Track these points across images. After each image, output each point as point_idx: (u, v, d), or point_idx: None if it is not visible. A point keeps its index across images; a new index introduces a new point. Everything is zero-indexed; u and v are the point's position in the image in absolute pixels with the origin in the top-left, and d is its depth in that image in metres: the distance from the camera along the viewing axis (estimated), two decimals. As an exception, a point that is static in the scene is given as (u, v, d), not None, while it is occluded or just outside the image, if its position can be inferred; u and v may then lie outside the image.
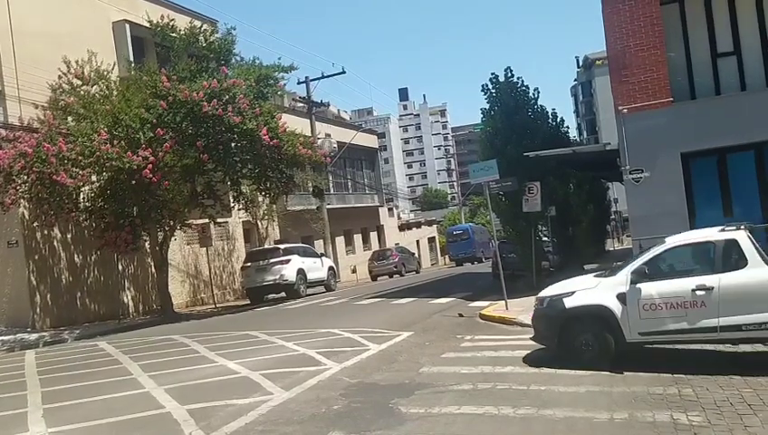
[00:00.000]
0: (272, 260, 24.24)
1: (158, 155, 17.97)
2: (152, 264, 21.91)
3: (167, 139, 18.29)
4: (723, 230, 8.65)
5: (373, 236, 45.32)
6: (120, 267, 21.52)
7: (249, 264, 24.93)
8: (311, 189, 29.93)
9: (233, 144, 19.79)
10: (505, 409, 6.60)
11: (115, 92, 19.87)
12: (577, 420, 6.15)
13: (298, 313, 18.85)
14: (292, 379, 8.54)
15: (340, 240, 38.69)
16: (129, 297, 22.38)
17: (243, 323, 16.43)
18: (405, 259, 39.30)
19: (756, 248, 8.27)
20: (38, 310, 19.06)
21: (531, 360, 9.08)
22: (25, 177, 17.26)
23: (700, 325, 8.15)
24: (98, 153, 17.27)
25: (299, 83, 33.58)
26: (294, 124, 23.46)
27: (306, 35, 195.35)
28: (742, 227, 8.64)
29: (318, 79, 33.46)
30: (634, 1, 15.33)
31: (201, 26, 21.28)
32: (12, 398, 8.78)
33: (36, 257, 19.29)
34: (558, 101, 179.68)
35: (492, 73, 20.92)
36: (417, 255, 47.91)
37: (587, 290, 9.10)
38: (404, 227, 53.94)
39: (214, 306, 24.30)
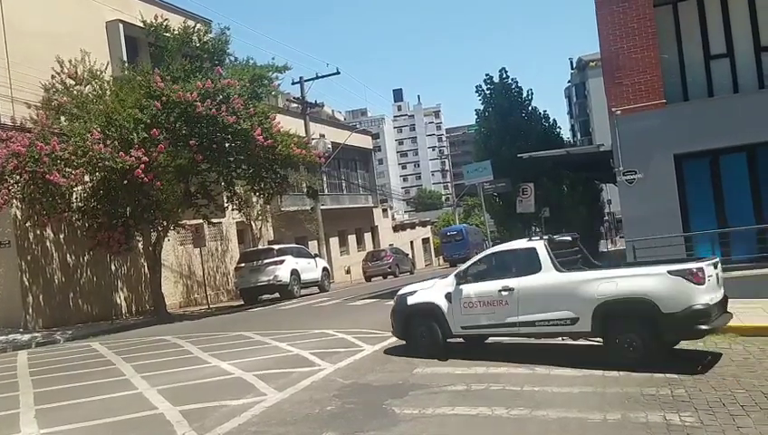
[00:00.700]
0: (265, 261, 24.20)
1: (151, 155, 17.91)
2: (145, 264, 21.83)
3: (160, 139, 18.23)
4: (529, 240, 10.03)
5: (367, 236, 45.28)
6: (113, 268, 21.43)
7: (243, 264, 24.88)
8: (305, 190, 29.88)
9: (227, 144, 19.74)
10: (499, 410, 6.61)
11: (108, 92, 19.80)
12: (570, 421, 6.16)
13: (292, 313, 18.82)
14: (285, 380, 8.53)
15: (334, 241, 38.66)
16: (122, 298, 22.29)
17: (236, 324, 16.40)
18: (399, 260, 39.28)
19: (550, 256, 9.43)
20: (30, 310, 18.96)
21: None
22: (18, 176, 17.17)
23: (505, 321, 9.51)
24: (91, 153, 17.20)
25: (293, 84, 33.55)
26: (289, 125, 23.42)
27: (300, 36, 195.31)
28: (543, 238, 9.90)
29: (312, 79, 33.45)
30: (628, 3, 15.39)
31: (195, 26, 21.23)
32: (4, 399, 8.74)
33: (29, 258, 19.19)
34: (552, 102, 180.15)
35: (486, 75, 21.07)
36: (411, 256, 47.91)
37: (424, 290, 10.67)
38: (398, 227, 53.92)
39: (207, 307, 24.24)
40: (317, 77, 33.67)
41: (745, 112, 14.57)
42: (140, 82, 19.24)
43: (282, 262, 24.22)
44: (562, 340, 9.85)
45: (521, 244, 10.22)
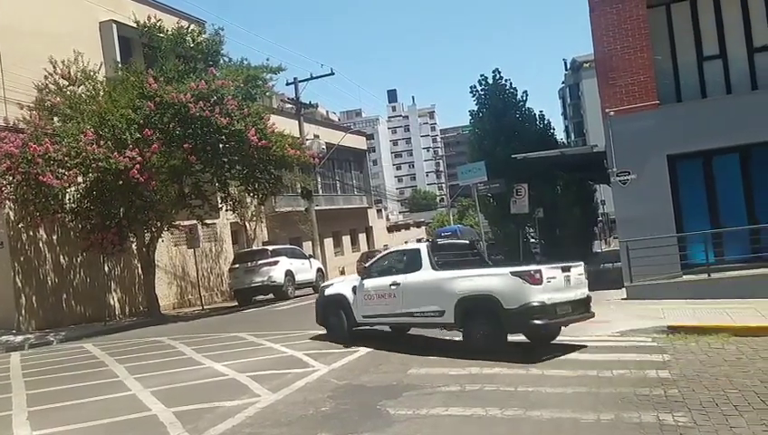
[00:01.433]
0: (260, 261, 24.15)
1: (145, 156, 17.86)
2: (139, 265, 21.76)
3: (154, 139, 18.17)
4: (417, 243, 12.27)
5: (362, 237, 45.27)
6: (107, 269, 21.35)
7: (237, 265, 24.82)
8: (299, 191, 29.85)
9: (221, 145, 19.70)
10: (493, 410, 6.62)
11: (102, 93, 19.72)
12: (564, 421, 6.17)
13: (286, 314, 18.80)
14: (279, 381, 8.52)
15: (328, 241, 38.62)
16: (116, 299, 22.21)
17: (230, 325, 16.36)
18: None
19: (430, 257, 10.90)
20: (23, 312, 18.86)
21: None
22: (11, 177, 17.08)
23: (393, 312, 11.04)
24: (84, 154, 17.13)
25: (287, 84, 33.47)
26: (283, 125, 23.38)
27: (294, 36, 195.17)
28: (428, 241, 11.98)
29: (306, 80, 33.36)
30: (621, 5, 15.45)
31: (189, 27, 21.17)
32: (-4, 401, 8.69)
33: (22, 259, 19.10)
34: (546, 103, 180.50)
35: (480, 75, 21.06)
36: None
37: (338, 283, 12.69)
38: (393, 228, 53.97)
39: (201, 308, 24.17)
40: (311, 78, 33.61)
41: (738, 113, 14.64)
42: (134, 83, 19.18)
43: (276, 263, 24.17)
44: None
45: (410, 246, 12.24)
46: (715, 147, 15.08)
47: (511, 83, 21.35)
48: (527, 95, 21.79)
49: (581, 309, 10.32)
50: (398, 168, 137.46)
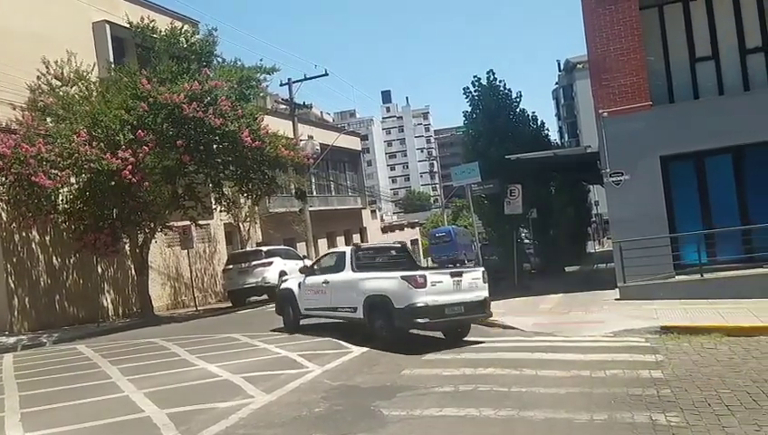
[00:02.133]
0: (254, 262, 24.09)
1: (138, 156, 17.81)
2: (132, 266, 21.68)
3: (147, 140, 18.12)
4: (346, 246, 14.06)
5: (356, 238, 45.17)
6: (100, 270, 21.27)
7: (231, 266, 24.76)
8: (293, 191, 29.79)
9: (214, 146, 19.65)
10: (486, 410, 6.62)
11: (95, 93, 19.63)
12: (557, 422, 6.19)
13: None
14: (273, 382, 8.51)
15: (322, 242, 38.56)
16: (109, 300, 22.13)
17: (224, 326, 16.33)
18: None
19: (352, 259, 12.48)
20: (16, 313, 18.77)
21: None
22: (3, 178, 17.00)
23: (324, 306, 12.83)
24: (77, 155, 17.07)
25: (281, 85, 33.39)
26: (277, 126, 23.35)
27: (288, 37, 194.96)
28: (354, 245, 13.89)
29: (300, 81, 33.28)
30: (614, 6, 15.50)
31: (182, 27, 21.09)
32: (-12, 402, 8.64)
33: (14, 260, 19.01)
34: (540, 104, 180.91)
35: (474, 76, 21.05)
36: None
37: (291, 279, 14.73)
38: (387, 229, 53.93)
39: (195, 309, 24.09)
40: (305, 78, 33.54)
41: (731, 114, 14.71)
42: (127, 84, 19.11)
43: (270, 263, 24.12)
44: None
45: (339, 249, 14.84)
46: (707, 148, 15.16)
47: (505, 84, 21.37)
48: (521, 96, 21.81)
49: (477, 310, 11.37)
50: (393, 168, 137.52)
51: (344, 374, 8.94)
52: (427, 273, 11.40)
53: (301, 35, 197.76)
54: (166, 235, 23.25)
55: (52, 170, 17.11)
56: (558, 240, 26.25)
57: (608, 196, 16.13)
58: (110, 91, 19.24)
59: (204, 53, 20.53)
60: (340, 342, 11.84)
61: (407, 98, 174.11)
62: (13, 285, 18.82)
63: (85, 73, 19.89)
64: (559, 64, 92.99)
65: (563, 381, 7.81)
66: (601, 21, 15.66)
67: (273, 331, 13.72)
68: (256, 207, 29.78)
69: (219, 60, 21.17)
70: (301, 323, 13.70)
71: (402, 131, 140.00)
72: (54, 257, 20.33)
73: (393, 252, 14.26)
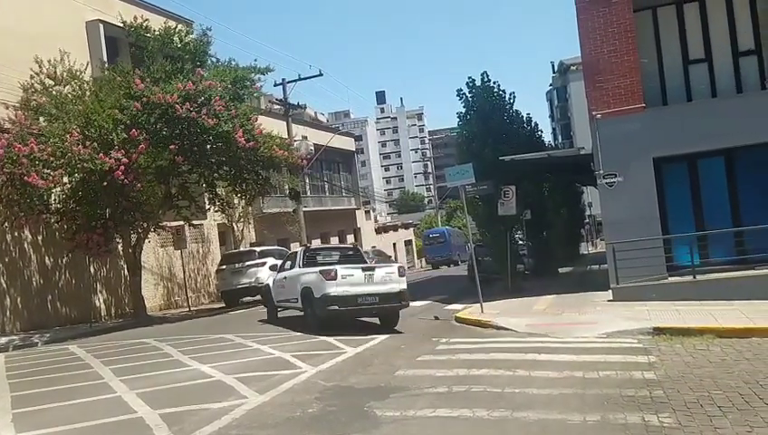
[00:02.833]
0: (247, 263, 24.06)
1: (131, 156, 17.75)
2: (125, 266, 21.62)
3: (140, 140, 18.06)
4: (300, 246, 17.57)
5: (350, 238, 45.20)
6: (92, 270, 21.19)
7: (224, 266, 24.72)
8: (287, 192, 29.75)
9: (208, 146, 19.61)
10: (480, 411, 6.63)
11: (88, 93, 19.56)
12: (550, 423, 6.20)
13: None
14: (267, 382, 8.49)
15: (316, 243, 38.53)
16: (102, 300, 22.06)
17: (217, 327, 16.30)
18: (381, 262, 39.26)
19: (302, 257, 15.15)
20: (8, 313, 18.69)
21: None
22: (-5, 178, 16.93)
23: (285, 298, 15.17)
24: (69, 154, 17.00)
25: (275, 85, 33.34)
26: (271, 126, 23.31)
27: (283, 37, 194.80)
28: (304, 246, 17.18)
29: (295, 81, 33.23)
30: (608, 8, 15.55)
31: (176, 27, 21.04)
32: (-21, 403, 8.60)
33: (6, 260, 18.92)
34: (534, 105, 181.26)
35: (468, 77, 20.97)
36: (393, 258, 47.92)
37: (270, 276, 17.81)
38: (381, 229, 53.95)
39: (188, 309, 24.04)
40: (299, 79, 33.51)
41: (723, 117, 14.77)
42: (120, 83, 19.04)
43: (263, 264, 24.08)
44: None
45: (296, 249, 18.07)
46: (700, 150, 15.22)
47: (499, 86, 21.35)
48: (515, 97, 21.79)
49: (393, 301, 13.46)
50: (387, 169, 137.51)
51: (338, 375, 8.94)
52: (338, 267, 13.54)
53: (295, 35, 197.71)
54: (159, 235, 23.19)
55: (45, 170, 17.04)
56: (551, 241, 26.30)
57: (601, 197, 16.17)
58: (104, 91, 19.17)
59: (198, 52, 20.48)
60: (334, 342, 11.84)
61: (401, 99, 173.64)
62: (5, 285, 18.74)
63: (78, 73, 19.82)
64: (553, 66, 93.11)
65: (556, 382, 7.82)
66: (595, 23, 15.70)
67: (264, 325, 15.34)
68: (250, 208, 29.74)
69: (213, 60, 21.16)
70: (279, 314, 16.28)
71: (396, 132, 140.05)
72: (47, 257, 20.26)
73: (345, 252, 16.74)
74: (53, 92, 19.28)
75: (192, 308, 24.40)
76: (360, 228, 47.15)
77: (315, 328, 13.16)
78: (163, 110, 18.31)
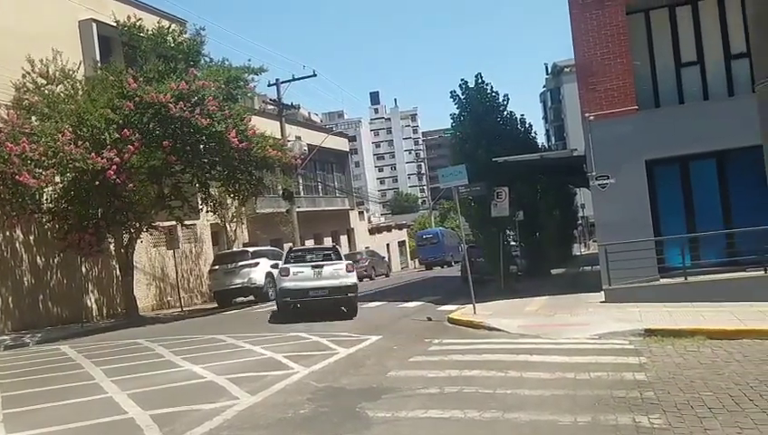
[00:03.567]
0: (240, 263, 24.03)
1: (123, 156, 17.70)
2: (117, 266, 21.55)
3: (133, 140, 18.01)
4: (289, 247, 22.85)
5: (343, 239, 45.23)
6: (84, 270, 21.11)
7: (217, 267, 24.67)
8: (280, 192, 29.73)
9: (201, 146, 19.56)
10: (471, 412, 6.64)
11: (80, 92, 19.50)
12: (542, 424, 6.21)
13: (266, 316, 18.71)
14: (258, 383, 8.48)
15: (310, 243, 38.52)
16: (93, 301, 21.98)
17: (210, 327, 16.26)
18: (375, 263, 39.31)
19: (288, 256, 18.03)
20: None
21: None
22: (-14, 177, 16.85)
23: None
24: (61, 154, 16.93)
25: (269, 85, 33.34)
26: (264, 126, 23.29)
27: (277, 38, 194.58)
28: (291, 246, 20.31)
29: (288, 81, 33.23)
30: (601, 11, 15.61)
31: (169, 26, 20.98)
32: (-31, 404, 8.55)
33: (-3, 259, 18.84)
34: (528, 106, 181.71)
35: (461, 79, 21.03)
36: (387, 258, 47.95)
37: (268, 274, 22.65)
38: (374, 230, 53.94)
39: (180, 310, 23.98)
40: (293, 79, 33.48)
41: (715, 119, 14.84)
42: (113, 83, 18.98)
43: (256, 264, 24.07)
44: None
45: (287, 248, 21.96)
46: (692, 152, 15.29)
47: (492, 87, 21.42)
48: (508, 99, 21.85)
49: (341, 293, 16.14)
50: (381, 170, 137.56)
51: (330, 376, 8.93)
52: (290, 265, 16.68)
53: (289, 36, 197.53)
54: (151, 235, 23.13)
55: (37, 169, 16.98)
56: (544, 243, 26.34)
57: (594, 199, 16.23)
58: (96, 90, 19.11)
59: (191, 52, 20.43)
60: (327, 343, 11.84)
61: (395, 99, 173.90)
62: (-5, 285, 18.64)
63: (71, 72, 19.75)
64: (546, 68, 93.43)
65: (548, 383, 7.84)
66: (588, 25, 15.76)
67: (256, 325, 15.77)
68: (243, 208, 29.70)
69: (207, 59, 21.09)
70: (272, 314, 17.98)
71: (390, 133, 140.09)
72: (38, 257, 20.17)
73: (325, 251, 19.11)
74: (46, 92, 19.21)
75: (184, 308, 24.33)
76: (353, 229, 47.14)
77: (280, 314, 16.86)
78: (156, 109, 18.25)
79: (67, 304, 20.64)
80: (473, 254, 21.34)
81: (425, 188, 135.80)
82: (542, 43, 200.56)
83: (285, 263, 17.10)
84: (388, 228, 57.89)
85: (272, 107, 34.37)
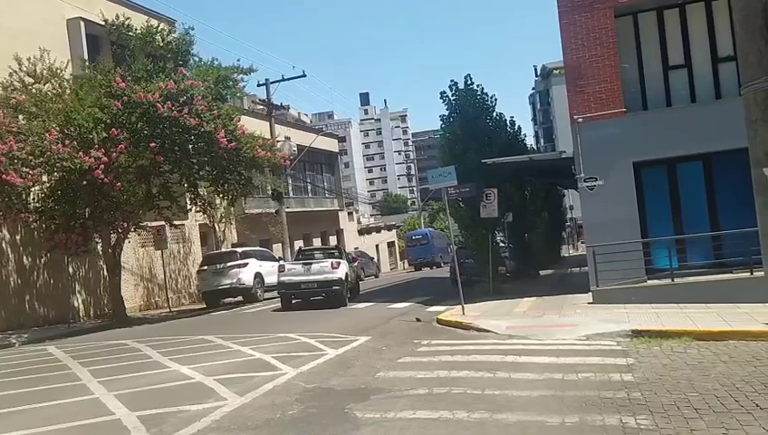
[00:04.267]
0: (229, 263, 23.96)
1: (111, 155, 17.59)
2: (104, 266, 21.42)
3: (121, 139, 17.91)
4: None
5: (333, 240, 45.12)
6: (71, 270, 20.98)
7: (205, 267, 24.59)
8: (270, 192, 29.66)
9: (190, 146, 19.49)
10: (460, 413, 6.65)
11: (68, 91, 19.36)
12: (529, 424, 6.23)
13: (255, 317, 18.67)
14: (246, 384, 8.45)
15: (299, 244, 38.42)
16: (80, 301, 21.84)
17: (198, 328, 16.20)
18: (364, 263, 39.30)
19: (297, 255, 22.11)
20: (-16, 313, 18.46)
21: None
22: (-27, 176, 16.68)
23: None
24: (48, 153, 16.81)
25: (259, 85, 33.28)
26: (254, 127, 23.24)
27: (267, 38, 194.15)
28: (300, 246, 24.72)
29: (278, 81, 33.17)
30: (590, 13, 15.69)
31: (158, 26, 20.89)
32: (-46, 405, 8.46)
33: (-17, 259, 18.69)
34: (516, 108, 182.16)
35: (451, 80, 21.02)
36: (376, 259, 47.95)
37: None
38: (363, 231, 53.92)
39: (168, 310, 23.87)
40: (283, 79, 33.43)
41: (702, 122, 14.95)
42: (101, 82, 18.87)
43: (245, 265, 24.01)
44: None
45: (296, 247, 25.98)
46: (679, 154, 15.40)
47: (482, 89, 21.44)
48: (496, 100, 21.88)
49: (328, 286, 19.39)
50: (370, 171, 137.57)
51: (319, 377, 8.92)
52: (286, 263, 20.96)
53: (279, 36, 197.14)
54: (139, 235, 23.02)
55: (24, 168, 16.83)
56: (533, 244, 26.48)
57: (582, 201, 16.30)
58: (84, 89, 18.98)
59: (180, 51, 20.34)
60: (316, 344, 11.82)
61: (385, 100, 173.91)
62: (-19, 285, 18.48)
63: (59, 71, 19.57)
64: (536, 70, 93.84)
65: (536, 383, 7.87)
66: (577, 27, 15.84)
67: (245, 326, 15.79)
68: (232, 208, 29.60)
69: (196, 59, 21.02)
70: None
71: (380, 134, 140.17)
72: (25, 257, 20.02)
73: (329, 249, 23.24)
74: (33, 90, 19.03)
75: (172, 309, 24.23)
76: (342, 230, 47.08)
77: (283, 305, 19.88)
78: (144, 109, 18.16)
79: (54, 304, 20.49)
80: (462, 255, 21.37)
81: (414, 189, 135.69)
82: (531, 46, 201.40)
83: (294, 261, 20.64)
84: (378, 229, 57.87)
85: (261, 107, 34.29)
